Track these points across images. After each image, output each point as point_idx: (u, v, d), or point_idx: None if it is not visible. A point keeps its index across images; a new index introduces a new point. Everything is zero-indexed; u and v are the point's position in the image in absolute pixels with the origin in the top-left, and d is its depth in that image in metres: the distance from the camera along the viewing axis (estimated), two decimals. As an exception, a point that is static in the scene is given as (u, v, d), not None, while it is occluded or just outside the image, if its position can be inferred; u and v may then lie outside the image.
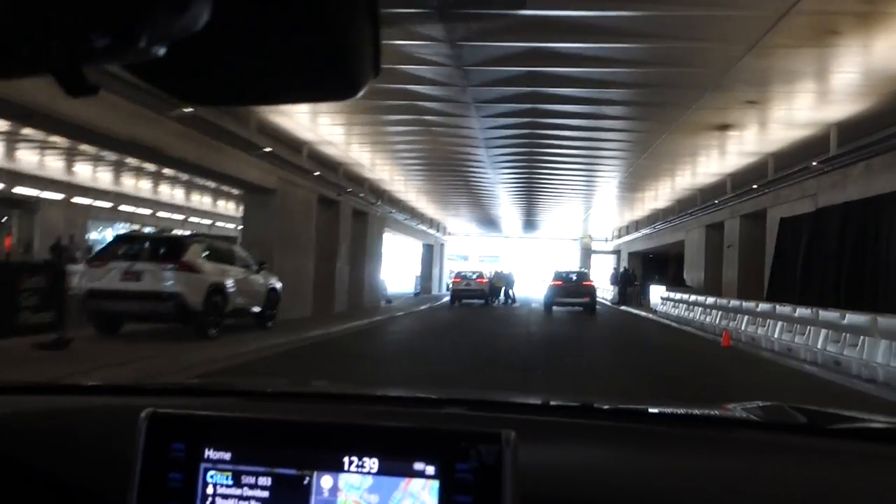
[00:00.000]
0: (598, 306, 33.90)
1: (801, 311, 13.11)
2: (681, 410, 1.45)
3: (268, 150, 15.32)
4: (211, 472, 0.93)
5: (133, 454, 0.93)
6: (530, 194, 29.99)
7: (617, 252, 47.56)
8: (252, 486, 0.92)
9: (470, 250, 59.89)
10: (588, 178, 23.91)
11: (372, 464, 0.90)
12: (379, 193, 27.82)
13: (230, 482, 0.92)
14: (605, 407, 1.45)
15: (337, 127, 17.12)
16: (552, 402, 1.49)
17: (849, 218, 13.89)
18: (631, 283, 37.11)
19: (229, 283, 13.54)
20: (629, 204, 30.82)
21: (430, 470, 0.88)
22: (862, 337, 10.82)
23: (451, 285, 36.12)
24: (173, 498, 0.92)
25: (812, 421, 1.41)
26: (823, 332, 12.15)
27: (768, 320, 14.84)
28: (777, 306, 14.43)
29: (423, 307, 30.69)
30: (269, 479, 0.91)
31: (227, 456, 0.92)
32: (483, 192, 29.91)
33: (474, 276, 35.73)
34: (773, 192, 18.61)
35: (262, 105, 0.74)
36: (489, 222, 47.07)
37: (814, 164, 14.38)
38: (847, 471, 1.12)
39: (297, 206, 19.27)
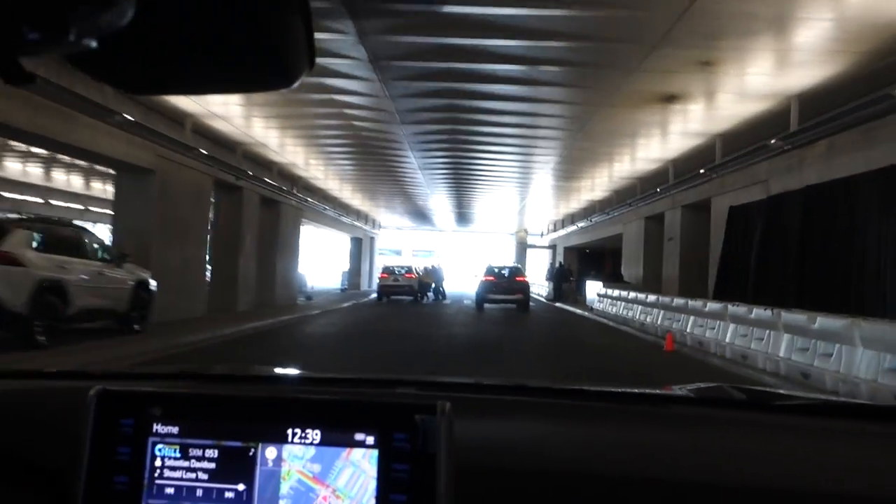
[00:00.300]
0: (532, 303, 32.07)
1: (759, 313, 11.14)
2: (618, 389, 1.41)
3: (130, 118, 12.57)
4: (159, 446, 0.94)
5: (83, 431, 0.95)
6: (460, 185, 28.44)
7: (553, 247, 45.81)
8: (199, 459, 0.93)
9: (403, 245, 57.47)
10: (521, 165, 21.81)
11: (314, 435, 0.92)
12: (293, 180, 25.18)
13: (178, 455, 0.94)
14: (541, 386, 1.47)
15: (231, 100, 14.48)
16: (491, 383, 1.50)
17: (812, 204, 11.99)
18: (566, 278, 35.31)
19: (72, 278, 10.86)
20: (565, 195, 28.89)
21: (370, 440, 0.90)
22: (838, 345, 8.85)
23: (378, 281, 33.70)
24: (122, 471, 0.94)
25: (749, 398, 1.45)
26: (787, 336, 10.19)
27: (718, 322, 12.90)
28: (729, 306, 12.48)
29: (345, 305, 28.24)
30: (216, 452, 0.93)
31: (174, 430, 0.94)
32: (410, 184, 28.54)
33: (403, 272, 33.44)
34: (719, 178, 16.77)
35: (200, 94, 0.73)
36: (421, 216, 44.83)
37: (772, 142, 12.43)
38: (779, 443, 1.13)
39: (185, 189, 16.55)
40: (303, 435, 0.93)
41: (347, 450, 0.91)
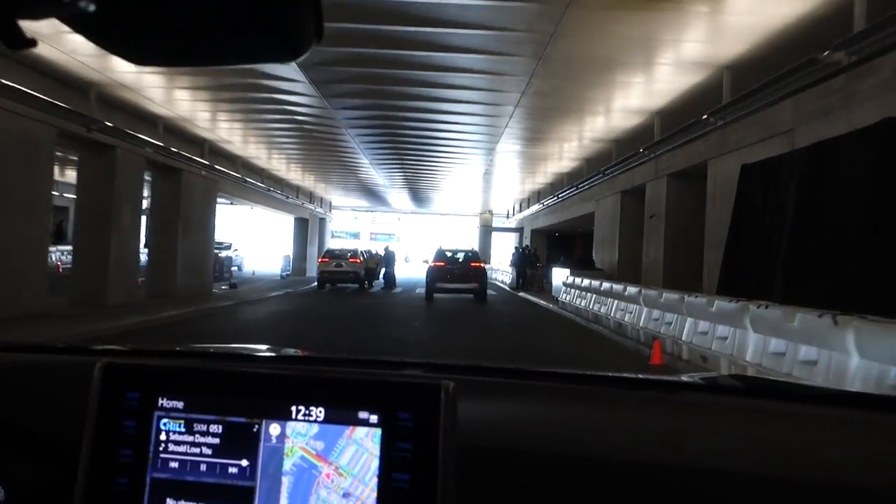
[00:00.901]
0: (493, 292, 28.03)
1: (808, 320, 6.93)
2: (622, 374, 1.42)
3: None
4: (164, 420, 0.95)
5: (89, 404, 0.96)
6: (410, 167, 26.00)
7: (519, 230, 41.62)
8: (203, 434, 0.94)
9: (361, 227, 53.00)
10: (477, 138, 17.72)
11: (318, 413, 0.92)
12: (197, 143, 20.64)
13: (182, 429, 0.94)
14: (546, 370, 1.43)
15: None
16: (495, 366, 1.46)
17: (886, 148, 7.72)
18: (532, 264, 31.08)
19: None
20: (531, 167, 24.59)
21: (374, 419, 0.90)
22: None
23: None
24: (127, 444, 0.94)
25: (755, 385, 1.47)
26: (858, 359, 6.01)
27: (733, 329, 8.71)
28: (752, 306, 8.24)
29: (274, 294, 23.83)
30: (220, 427, 0.94)
31: (179, 405, 0.95)
32: (355, 166, 26.53)
33: (347, 255, 29.00)
34: (720, 129, 12.60)
35: (204, 65, 0.73)
36: (376, 198, 40.39)
37: (824, 55, 8.17)
38: (782, 430, 1.12)
39: (3, 141, 12.06)
40: (307, 412, 0.92)
41: (351, 428, 0.91)
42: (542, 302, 22.67)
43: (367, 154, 23.23)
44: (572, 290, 18.66)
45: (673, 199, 16.10)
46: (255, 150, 23.93)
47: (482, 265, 23.38)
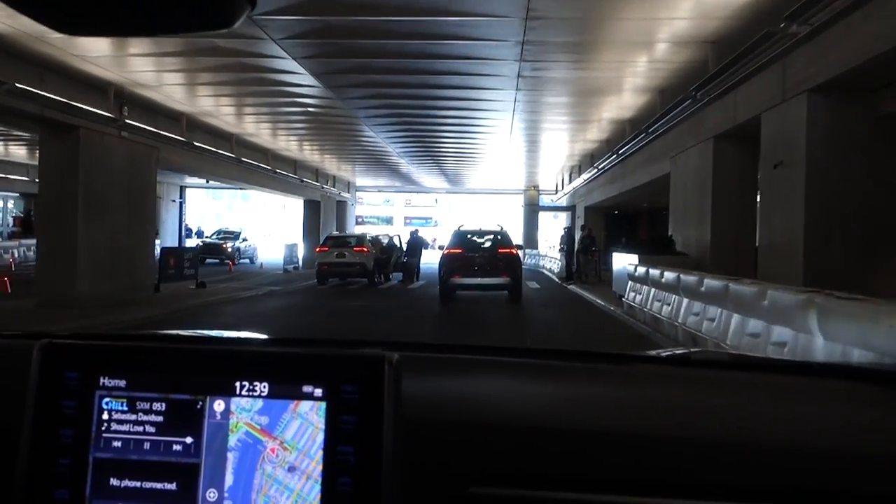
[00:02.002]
0: (535, 284, 21.58)
1: None
2: (576, 349, 1.41)
3: None
4: (106, 399, 0.93)
5: (29, 385, 0.93)
6: (435, 145, 22.53)
7: (571, 208, 34.73)
8: (147, 412, 0.92)
9: (395, 212, 46.84)
10: (499, 74, 11.19)
11: (262, 388, 0.90)
12: (125, 99, 14.66)
13: (125, 408, 0.92)
14: (496, 346, 1.44)
15: None
16: (444, 342, 1.50)
17: None
18: (587, 248, 24.28)
19: None
20: (582, 112, 17.79)
21: (318, 392, 0.89)
22: None
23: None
24: (69, 424, 0.92)
25: (710, 357, 1.50)
26: None
27: None
28: None
29: (251, 295, 18.15)
30: (164, 405, 0.92)
31: (121, 383, 0.93)
32: (366, 142, 22.61)
33: (351, 243, 22.91)
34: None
35: (137, 36, 0.72)
36: (403, 177, 34.15)
37: None
38: (720, 396, 1.14)
39: None
40: (251, 388, 0.91)
41: (295, 402, 0.90)
42: (599, 301, 15.96)
43: (379, 133, 20.35)
44: (644, 286, 11.92)
45: (821, 131, 9.23)
46: (253, 129, 18.41)
47: (514, 251, 16.79)
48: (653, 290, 10.99)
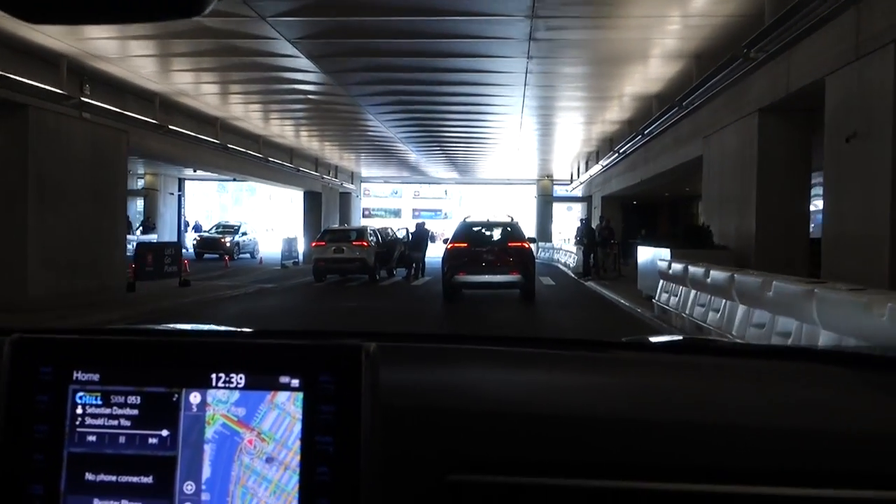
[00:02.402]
0: (550, 281, 19.72)
1: None
2: (553, 337, 1.51)
3: None
4: (80, 394, 0.92)
5: (0, 379, 0.93)
6: (442, 133, 21.26)
7: (587, 199, 32.71)
8: (121, 405, 0.91)
9: (403, 204, 44.95)
10: (506, 47, 9.31)
11: (239, 379, 0.90)
12: (86, 75, 12.86)
13: (99, 402, 0.91)
14: (476, 335, 1.43)
15: None
16: (423, 332, 1.80)
17: None
18: (605, 241, 22.31)
19: None
20: (603, 97, 15.86)
21: (295, 382, 0.88)
22: None
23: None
24: (42, 419, 0.91)
25: (687, 342, 1.49)
26: None
27: None
28: None
29: (237, 294, 16.53)
30: (139, 398, 0.91)
31: (95, 377, 0.91)
32: (371, 132, 21.46)
33: (350, 237, 21.10)
34: None
35: (105, 23, 0.71)
36: (410, 168, 32.30)
37: None
38: (706, 381, 1.16)
39: None
40: (227, 379, 0.90)
41: (272, 393, 0.89)
42: (623, 301, 14.01)
43: (382, 120, 19.15)
44: (680, 287, 9.95)
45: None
46: (241, 112, 16.58)
47: (526, 245, 14.87)
48: (693, 291, 9.03)
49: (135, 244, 17.67)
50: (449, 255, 14.66)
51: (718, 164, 13.28)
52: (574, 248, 24.94)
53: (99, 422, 0.90)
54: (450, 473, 0.94)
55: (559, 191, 35.46)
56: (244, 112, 18.10)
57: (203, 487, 0.88)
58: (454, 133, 21.43)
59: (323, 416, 0.87)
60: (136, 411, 0.90)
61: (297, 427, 0.87)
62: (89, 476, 0.89)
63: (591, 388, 1.10)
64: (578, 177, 29.96)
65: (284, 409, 0.88)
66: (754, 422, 0.99)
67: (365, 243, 20.73)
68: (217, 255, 30.30)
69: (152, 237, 35.33)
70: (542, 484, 0.94)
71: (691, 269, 9.03)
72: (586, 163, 27.75)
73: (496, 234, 15.44)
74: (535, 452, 0.96)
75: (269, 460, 0.88)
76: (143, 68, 13.62)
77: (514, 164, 30.34)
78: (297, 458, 0.87)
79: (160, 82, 14.56)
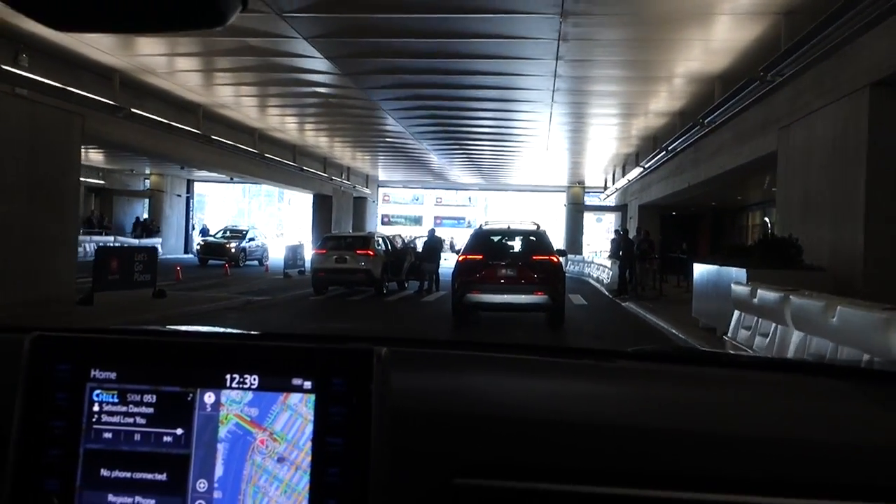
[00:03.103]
0: (581, 301, 17.07)
1: None
2: (552, 345, 1.53)
3: None
4: (97, 391, 0.93)
5: (20, 376, 0.94)
6: (466, 139, 20.33)
7: (622, 207, 29.75)
8: (137, 404, 0.92)
9: (424, 211, 42.28)
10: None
11: (252, 380, 0.91)
12: (23, 44, 10.43)
13: (116, 400, 0.92)
14: (484, 342, 1.48)
15: None
16: (433, 338, 1.58)
17: None
18: (646, 254, 19.45)
19: None
20: (648, 77, 13.08)
21: (307, 385, 0.89)
22: None
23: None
24: (60, 417, 0.92)
25: (688, 354, 1.54)
26: None
27: None
28: None
29: (213, 308, 14.03)
30: (154, 397, 0.92)
31: (112, 376, 0.93)
32: (400, 144, 21.16)
33: (354, 245, 18.57)
34: None
35: (129, 32, 0.71)
36: (432, 173, 29.73)
37: None
38: (704, 391, 1.17)
39: None
40: (241, 380, 0.91)
41: (285, 394, 0.90)
42: (677, 333, 11.09)
43: (400, 118, 17.95)
44: (770, 323, 7.03)
45: None
46: (231, 99, 14.19)
47: (554, 259, 12.05)
48: (798, 333, 6.17)
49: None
50: (460, 270, 11.92)
51: (802, 160, 10.35)
52: (608, 263, 22.01)
53: (115, 419, 0.91)
54: (456, 477, 0.95)
55: (591, 200, 32.55)
56: (234, 99, 15.63)
57: (216, 485, 0.89)
58: (479, 135, 19.48)
59: (334, 418, 0.88)
60: (151, 410, 0.91)
61: (309, 428, 0.88)
62: (104, 472, 0.90)
63: (596, 396, 1.11)
64: (614, 183, 27.01)
65: (296, 411, 0.89)
66: (756, 432, 1.00)
67: (371, 252, 18.10)
68: (224, 262, 28.13)
69: (156, 241, 33.36)
70: (547, 490, 0.94)
71: (797, 301, 6.16)
72: (623, 167, 24.85)
73: (518, 244, 12.68)
74: (541, 458, 0.98)
75: (281, 460, 0.89)
76: (98, 39, 11.17)
77: (543, 169, 27.62)
78: (308, 458, 0.88)
79: (120, 56, 12.10)
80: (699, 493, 0.92)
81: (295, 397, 0.89)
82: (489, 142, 21.33)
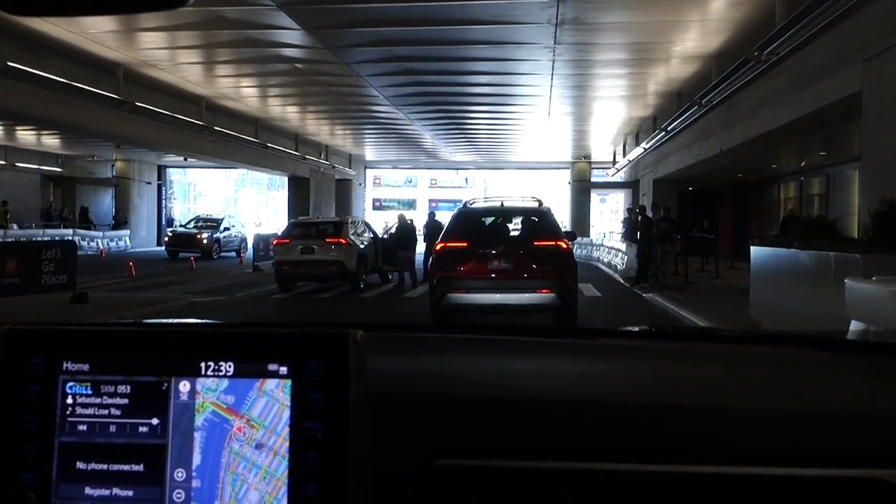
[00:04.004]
0: (594, 291, 14.38)
1: None
2: (532, 326, 2.44)
3: None
4: (70, 384, 0.92)
5: None
6: (456, 110, 18.18)
7: (633, 184, 26.71)
8: (111, 395, 0.92)
9: (418, 193, 39.23)
10: None
11: (228, 367, 0.90)
12: None
13: (89, 392, 0.92)
14: (464, 324, 2.14)
15: None
16: (411, 322, 2.27)
17: None
18: (664, 236, 16.60)
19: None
20: (669, 20, 10.11)
21: (283, 370, 0.89)
22: None
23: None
24: (33, 410, 0.92)
25: (658, 331, 1.49)
26: None
27: None
28: None
29: (142, 314, 11.15)
30: (128, 387, 0.92)
31: (85, 367, 0.93)
32: (376, 111, 18.38)
33: (324, 233, 15.75)
34: None
35: (90, 14, 0.69)
36: (424, 152, 26.86)
37: None
38: (664, 362, 1.18)
39: None
40: (216, 367, 0.90)
41: (261, 380, 0.89)
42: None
43: (384, 94, 16.55)
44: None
45: None
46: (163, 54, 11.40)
47: (563, 245, 9.08)
48: None
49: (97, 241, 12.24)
50: (439, 261, 9.00)
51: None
52: (623, 246, 19.05)
53: (89, 411, 0.91)
54: (438, 458, 0.95)
55: (597, 177, 29.50)
56: (168, 60, 12.66)
57: (193, 474, 0.89)
58: (475, 108, 17.86)
59: (311, 403, 0.87)
60: (125, 400, 0.91)
61: (286, 414, 0.88)
62: (80, 465, 0.90)
63: (578, 374, 1.10)
64: (625, 154, 23.95)
65: (273, 396, 0.88)
66: (742, 404, 1.00)
67: (343, 240, 15.22)
68: (199, 254, 25.47)
69: (123, 233, 30.57)
70: (528, 467, 0.94)
71: None
72: (636, 136, 21.80)
73: (515, 226, 9.75)
74: (522, 436, 0.97)
75: (259, 447, 0.88)
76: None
77: (545, 143, 24.67)
78: (287, 444, 0.87)
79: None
80: (685, 465, 0.92)
81: (271, 383, 0.88)
82: (486, 115, 19.20)
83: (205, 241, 25.99)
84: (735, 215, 25.49)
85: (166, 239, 26.37)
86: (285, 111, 18.58)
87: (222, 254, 26.38)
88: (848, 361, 1.20)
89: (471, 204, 10.15)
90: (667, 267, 16.35)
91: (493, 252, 8.90)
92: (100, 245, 27.35)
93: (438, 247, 9.08)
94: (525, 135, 23.16)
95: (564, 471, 0.93)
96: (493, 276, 8.73)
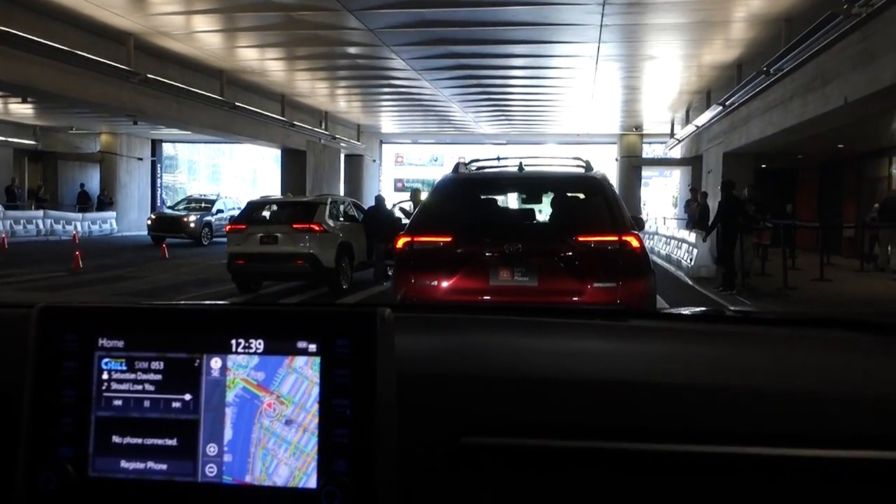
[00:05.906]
0: (665, 300, 9.73)
1: None
2: (560, 306, 1.73)
3: None
4: (105, 360, 0.94)
5: (28, 347, 0.95)
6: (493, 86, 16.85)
7: (693, 160, 22.13)
8: (145, 371, 0.93)
9: (440, 173, 35.15)
10: None
11: (258, 345, 0.92)
12: None
13: (124, 368, 0.94)
14: (490, 305, 1.65)
15: None
16: (437, 303, 1.66)
17: None
18: (754, 222, 12.21)
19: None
20: None
21: (312, 347, 0.90)
22: None
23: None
24: (70, 385, 0.93)
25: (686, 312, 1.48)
26: None
27: None
28: None
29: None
30: (162, 363, 0.93)
31: (120, 344, 0.94)
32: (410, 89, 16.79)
33: (290, 219, 11.76)
34: None
35: None
36: (451, 125, 23.02)
37: None
38: (693, 344, 1.16)
39: None
40: (246, 345, 0.92)
41: (290, 357, 0.90)
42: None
43: (409, 61, 14.30)
44: None
45: None
46: None
47: (632, 240, 4.87)
48: None
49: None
50: (403, 268, 4.93)
51: None
52: (691, 237, 14.74)
53: (124, 387, 0.93)
54: (464, 436, 0.96)
55: (650, 151, 24.99)
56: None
57: (225, 449, 0.90)
58: (510, 71, 15.64)
59: (340, 380, 0.88)
60: (159, 376, 0.92)
61: (315, 390, 0.89)
62: (116, 439, 0.92)
63: (604, 354, 1.10)
64: (689, 122, 19.38)
65: (302, 373, 0.90)
66: (769, 386, 0.99)
67: (317, 227, 11.32)
68: (188, 240, 22.22)
69: (108, 216, 27.13)
70: (554, 446, 0.95)
71: None
72: (707, 96, 17.27)
73: (543, 208, 5.66)
74: (548, 415, 0.98)
75: (289, 422, 0.89)
76: None
77: (589, 113, 20.47)
78: (316, 420, 0.88)
79: None
80: (709, 445, 0.92)
81: (300, 360, 0.89)
82: (523, 79, 16.60)
83: (192, 225, 22.49)
84: (820, 198, 20.85)
85: (148, 222, 22.86)
86: (263, 64, 14.60)
87: (215, 239, 22.88)
88: (873, 342, 1.18)
89: (465, 167, 5.99)
90: (750, 264, 12.23)
91: (502, 256, 4.79)
92: (78, 228, 23.98)
93: (401, 243, 4.96)
94: (566, 103, 19.11)
95: (591, 450, 0.94)
96: (500, 300, 4.61)
